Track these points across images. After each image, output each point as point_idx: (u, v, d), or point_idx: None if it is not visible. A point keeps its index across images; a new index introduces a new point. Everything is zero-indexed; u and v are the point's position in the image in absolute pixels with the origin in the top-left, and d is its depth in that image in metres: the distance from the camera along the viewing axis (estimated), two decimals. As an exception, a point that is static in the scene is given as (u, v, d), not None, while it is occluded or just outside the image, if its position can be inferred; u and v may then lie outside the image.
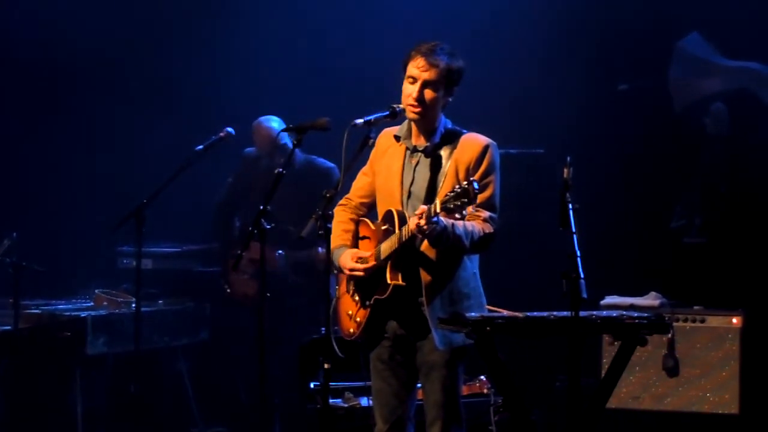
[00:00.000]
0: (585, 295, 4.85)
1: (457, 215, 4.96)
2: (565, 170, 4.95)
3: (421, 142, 5.39)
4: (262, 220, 5.95)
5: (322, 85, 8.55)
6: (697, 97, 8.34)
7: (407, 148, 5.41)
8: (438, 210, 4.97)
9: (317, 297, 7.69)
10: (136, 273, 7.17)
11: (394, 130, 5.47)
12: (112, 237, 7.81)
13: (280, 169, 5.93)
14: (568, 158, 4.96)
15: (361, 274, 5.36)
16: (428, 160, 5.35)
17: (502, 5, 8.43)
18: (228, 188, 8.26)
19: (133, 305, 7.32)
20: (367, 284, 5.38)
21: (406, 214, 5.24)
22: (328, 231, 5.32)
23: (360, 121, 5.37)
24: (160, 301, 8.17)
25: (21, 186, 8.95)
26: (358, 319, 5.41)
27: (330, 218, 5.30)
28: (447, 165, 5.30)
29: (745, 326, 7.18)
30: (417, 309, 5.29)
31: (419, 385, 5.45)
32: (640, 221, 8.23)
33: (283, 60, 8.88)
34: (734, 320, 7.18)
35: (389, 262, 5.25)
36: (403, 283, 5.24)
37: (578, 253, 4.87)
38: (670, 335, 7.12)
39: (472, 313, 5.18)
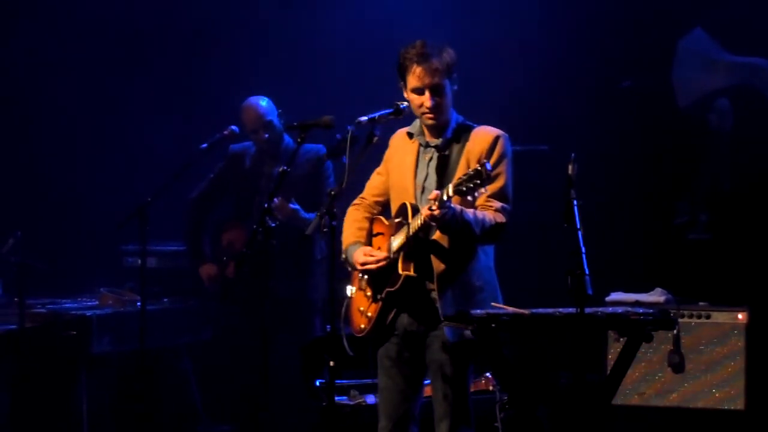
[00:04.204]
0: (590, 292, 4.86)
1: (469, 197, 4.98)
2: (570, 167, 4.96)
3: (433, 138, 5.43)
4: (267, 218, 5.95)
5: (325, 83, 8.55)
6: (701, 93, 8.33)
7: (420, 144, 5.45)
8: (451, 193, 4.99)
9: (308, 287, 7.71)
10: (140, 271, 7.18)
11: (407, 128, 5.52)
12: (116, 236, 7.80)
13: (285, 167, 5.94)
14: (573, 155, 4.96)
15: (372, 267, 5.37)
16: (441, 155, 5.38)
17: (504, 4, 8.42)
18: (208, 184, 8.01)
19: (138, 304, 7.33)
20: (379, 278, 5.40)
21: (420, 208, 5.26)
22: (334, 229, 5.33)
23: (364, 118, 5.40)
24: (165, 300, 8.18)
25: (25, 184, 8.95)
26: (369, 314, 5.43)
27: (335, 216, 5.31)
28: (459, 158, 5.33)
29: (750, 322, 7.17)
30: (429, 301, 5.30)
31: (427, 381, 5.46)
32: (645, 218, 8.23)
33: (287, 58, 8.88)
34: (739, 316, 7.17)
35: (401, 253, 5.26)
36: (415, 274, 5.25)
37: (583, 250, 4.88)
38: (675, 331, 7.11)
39: (477, 310, 5.19)
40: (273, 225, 5.96)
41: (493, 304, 5.29)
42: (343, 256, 5.53)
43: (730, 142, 8.27)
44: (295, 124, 5.96)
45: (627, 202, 8.21)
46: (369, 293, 5.46)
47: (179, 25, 9.01)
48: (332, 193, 5.33)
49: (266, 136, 7.71)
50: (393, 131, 5.64)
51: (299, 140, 5.94)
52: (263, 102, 7.79)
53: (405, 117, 5.49)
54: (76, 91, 8.97)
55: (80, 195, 8.85)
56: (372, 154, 5.52)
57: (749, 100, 8.19)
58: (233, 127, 7.57)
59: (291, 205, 7.40)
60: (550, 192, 5.53)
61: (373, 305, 5.43)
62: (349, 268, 5.54)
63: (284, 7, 8.99)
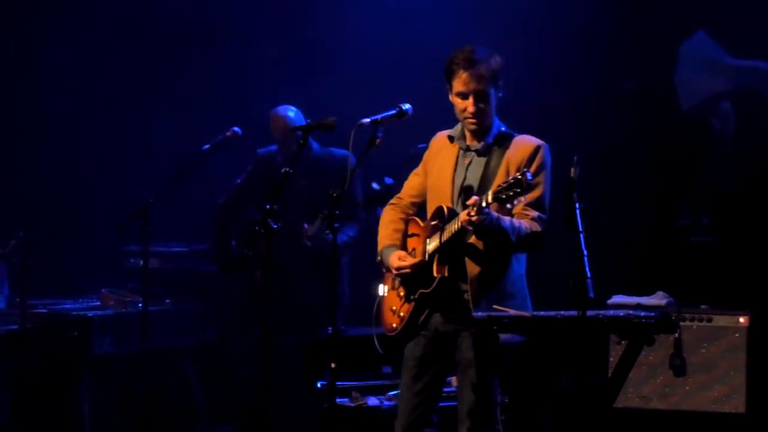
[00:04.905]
0: (592, 295, 4.85)
1: (508, 205, 5.00)
2: (572, 169, 4.96)
3: (474, 143, 5.45)
4: (269, 220, 5.94)
5: (328, 84, 8.54)
6: (704, 95, 8.32)
7: (460, 148, 5.46)
8: (490, 200, 5.01)
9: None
10: (142, 272, 7.18)
11: (448, 131, 5.54)
12: (118, 237, 7.81)
13: (287, 169, 5.94)
14: (575, 158, 4.96)
15: (407, 271, 5.40)
16: (480, 159, 5.42)
17: (506, 5, 8.41)
18: (234, 189, 8.13)
19: (140, 305, 7.33)
20: (413, 279, 5.43)
21: (457, 211, 5.27)
22: (336, 231, 5.33)
23: (367, 120, 5.41)
24: (167, 301, 8.18)
25: (28, 185, 8.95)
26: (401, 314, 5.46)
27: (337, 218, 5.32)
28: (499, 164, 5.34)
29: (752, 325, 7.16)
30: (462, 302, 5.31)
31: (449, 379, 5.49)
32: (647, 220, 8.22)
33: (290, 59, 8.88)
34: (741, 319, 7.16)
35: (436, 256, 5.28)
36: (448, 275, 5.27)
37: (585, 253, 4.87)
38: (676, 334, 7.10)
39: (479, 312, 5.19)
40: (275, 227, 5.96)
41: (494, 306, 5.29)
42: (379, 258, 5.57)
43: (733, 145, 8.26)
44: (297, 125, 5.97)
45: (629, 204, 8.20)
46: (402, 293, 5.50)
47: (181, 25, 9.00)
48: (334, 195, 5.33)
49: (294, 148, 7.77)
50: (394, 132, 5.64)
51: (301, 143, 5.95)
52: (291, 113, 7.85)
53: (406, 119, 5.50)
54: (78, 91, 8.97)
55: (82, 196, 8.85)
56: (373, 155, 5.54)
57: (751, 102, 8.18)
58: (235, 128, 7.57)
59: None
60: (553, 194, 5.53)
61: (406, 305, 5.47)
62: (384, 270, 5.57)
63: (286, 7, 8.99)
